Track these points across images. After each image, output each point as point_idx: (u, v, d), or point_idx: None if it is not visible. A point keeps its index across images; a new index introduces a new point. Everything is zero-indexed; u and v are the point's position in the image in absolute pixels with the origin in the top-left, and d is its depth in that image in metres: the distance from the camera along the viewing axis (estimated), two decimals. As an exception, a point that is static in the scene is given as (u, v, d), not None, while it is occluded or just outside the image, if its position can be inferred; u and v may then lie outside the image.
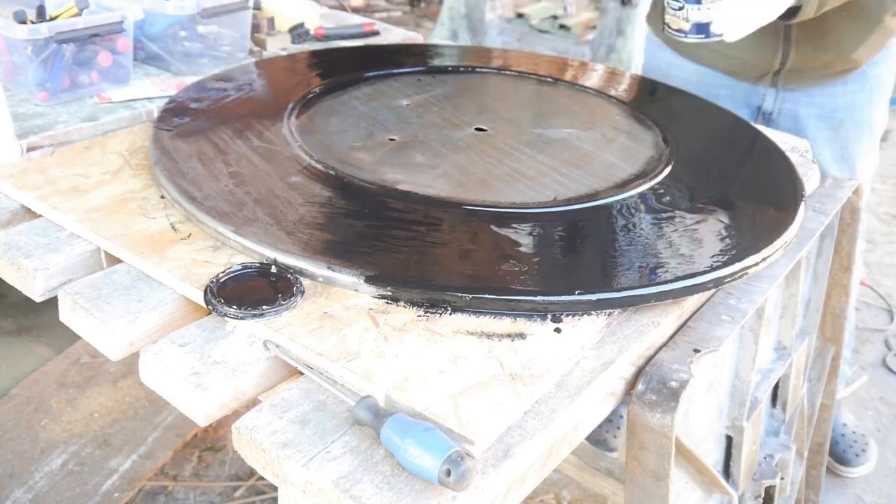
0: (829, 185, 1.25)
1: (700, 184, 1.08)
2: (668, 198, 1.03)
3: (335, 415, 0.69)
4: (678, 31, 1.20)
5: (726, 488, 1.04)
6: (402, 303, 0.81)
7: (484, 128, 1.24)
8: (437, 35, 3.74)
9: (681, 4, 1.17)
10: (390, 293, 0.81)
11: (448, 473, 0.60)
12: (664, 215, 0.99)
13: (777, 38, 1.41)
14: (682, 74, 1.58)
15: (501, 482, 0.65)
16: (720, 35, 1.16)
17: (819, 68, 1.44)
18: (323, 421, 0.69)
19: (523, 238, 0.92)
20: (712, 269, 0.87)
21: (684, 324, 0.90)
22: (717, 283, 0.87)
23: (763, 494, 1.16)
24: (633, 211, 1.00)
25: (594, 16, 3.72)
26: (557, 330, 0.79)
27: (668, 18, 1.22)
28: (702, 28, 1.17)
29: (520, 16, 3.89)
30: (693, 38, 1.19)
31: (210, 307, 0.78)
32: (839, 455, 1.90)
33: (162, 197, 0.99)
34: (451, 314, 0.80)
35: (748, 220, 0.99)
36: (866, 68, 1.46)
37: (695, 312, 0.92)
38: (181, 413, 0.74)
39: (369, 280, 0.81)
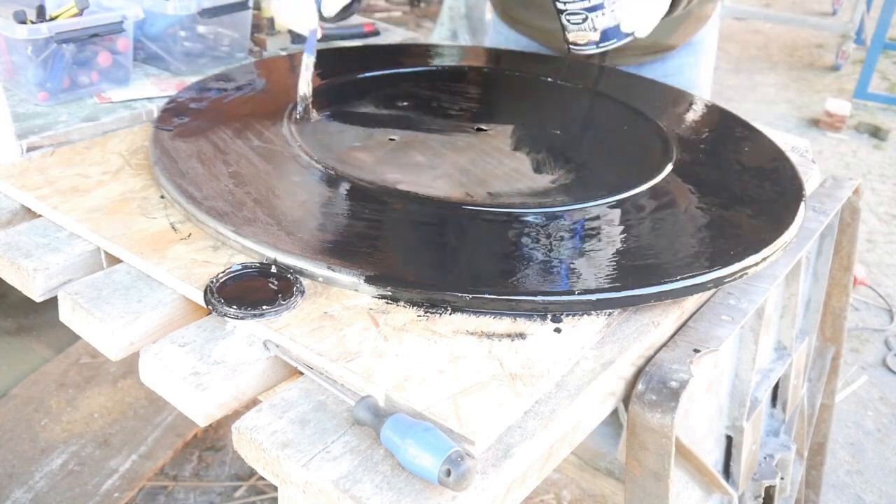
0: (829, 185, 1.25)
1: (700, 183, 1.08)
2: (668, 197, 1.03)
3: (335, 415, 0.69)
4: (587, 44, 1.13)
5: (726, 488, 1.04)
6: (402, 303, 0.81)
7: (484, 128, 1.24)
8: (437, 35, 3.74)
9: (583, 16, 1.11)
10: (390, 293, 0.81)
11: (448, 473, 0.60)
12: (664, 215, 0.99)
13: None
14: (518, 49, 1.62)
15: (501, 482, 0.65)
16: (631, 33, 1.11)
17: (639, 48, 1.47)
18: (323, 421, 0.69)
19: (523, 238, 0.92)
20: (712, 269, 0.87)
21: (684, 324, 0.90)
22: (717, 283, 0.87)
23: (763, 494, 1.16)
24: (633, 210, 1.00)
25: (594, 16, 3.71)
26: (557, 330, 0.79)
27: (571, 37, 1.14)
28: (612, 32, 1.11)
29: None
30: (605, 46, 1.12)
31: (210, 307, 0.78)
32: None
33: (162, 197, 0.99)
34: (451, 314, 0.80)
35: (748, 219, 0.99)
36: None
37: (695, 312, 0.92)
38: (181, 413, 0.74)
39: (369, 280, 0.81)
